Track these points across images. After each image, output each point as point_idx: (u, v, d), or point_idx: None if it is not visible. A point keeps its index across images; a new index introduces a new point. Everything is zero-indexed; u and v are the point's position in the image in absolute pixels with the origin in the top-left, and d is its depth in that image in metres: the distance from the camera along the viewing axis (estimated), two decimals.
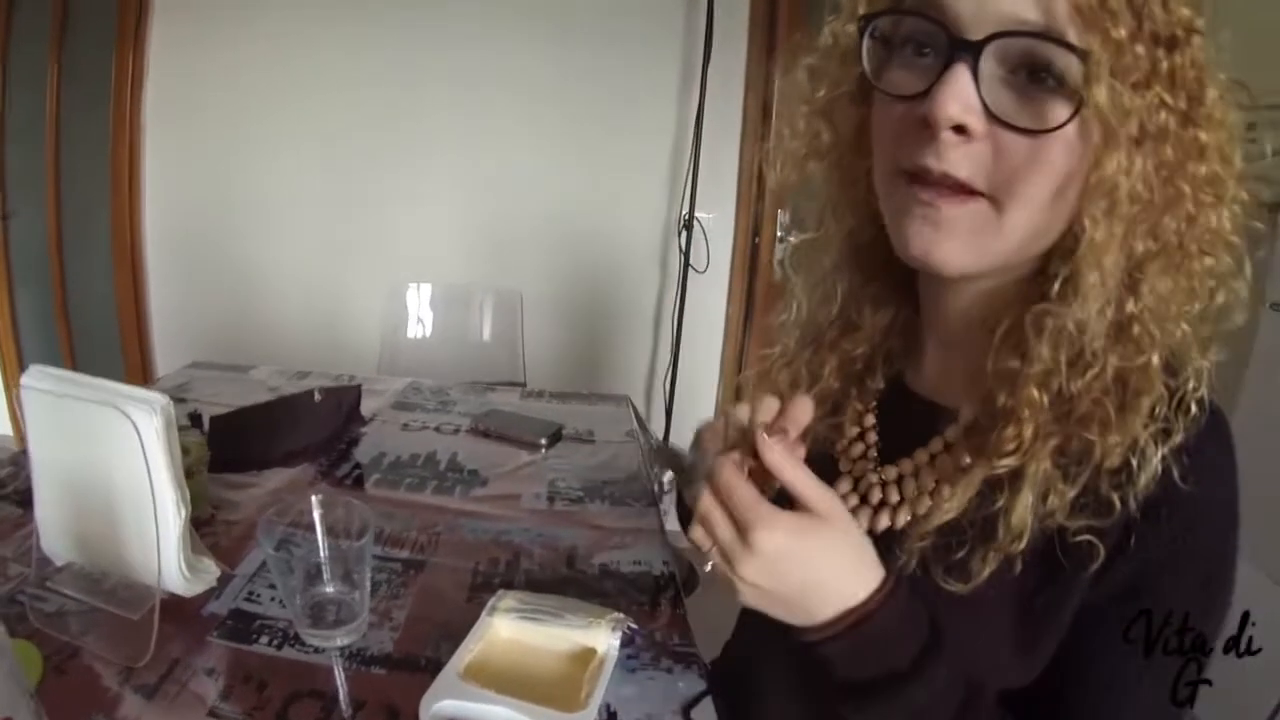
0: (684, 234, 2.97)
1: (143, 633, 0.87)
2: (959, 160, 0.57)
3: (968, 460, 0.66)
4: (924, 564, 0.65)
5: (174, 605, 0.94)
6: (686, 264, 2.98)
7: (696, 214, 2.94)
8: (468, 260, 3.13)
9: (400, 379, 1.97)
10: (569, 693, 0.83)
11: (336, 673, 0.88)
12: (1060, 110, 0.53)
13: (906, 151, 0.59)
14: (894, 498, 0.73)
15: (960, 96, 0.54)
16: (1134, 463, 0.57)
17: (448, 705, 0.79)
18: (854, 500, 0.75)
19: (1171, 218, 0.57)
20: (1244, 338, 2.15)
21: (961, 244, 0.60)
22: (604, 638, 0.90)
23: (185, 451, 1.13)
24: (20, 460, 0.98)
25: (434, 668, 0.85)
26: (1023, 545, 0.60)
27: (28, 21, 3.23)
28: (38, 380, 0.94)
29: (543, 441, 1.56)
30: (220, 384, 1.80)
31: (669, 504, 3.34)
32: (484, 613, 0.93)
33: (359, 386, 1.64)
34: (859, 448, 0.79)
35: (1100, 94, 0.51)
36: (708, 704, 0.87)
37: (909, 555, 0.66)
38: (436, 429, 1.64)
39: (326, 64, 2.99)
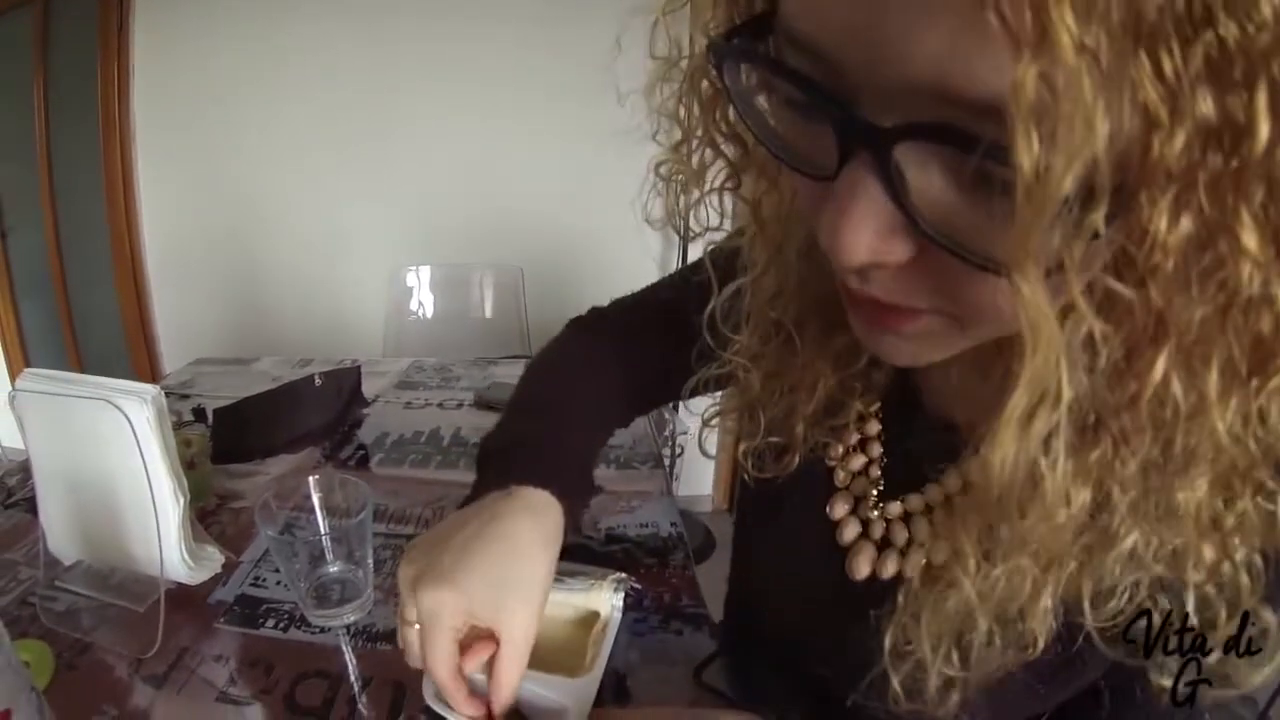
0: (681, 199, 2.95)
1: (150, 624, 0.88)
2: (887, 285, 0.39)
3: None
4: None
5: (181, 594, 0.95)
6: (686, 225, 2.96)
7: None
8: (467, 239, 3.12)
9: (403, 359, 1.97)
10: (574, 657, 0.83)
11: (343, 650, 0.88)
12: None
13: (827, 252, 0.38)
14: (901, 538, 0.61)
15: (867, 227, 0.35)
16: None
17: None
18: (855, 529, 0.64)
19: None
20: None
21: (919, 349, 0.44)
22: (606, 599, 0.89)
23: (187, 444, 1.14)
24: (28, 468, 1.00)
25: None
26: (1038, 651, 0.49)
27: (9, 36, 3.23)
28: (31, 383, 0.94)
29: None
30: (224, 378, 1.80)
31: (680, 466, 3.35)
32: None
33: (358, 368, 1.64)
34: (859, 460, 0.65)
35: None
36: (719, 664, 0.87)
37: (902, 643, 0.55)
38: (439, 405, 1.64)
39: (310, 52, 2.97)
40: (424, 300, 2.81)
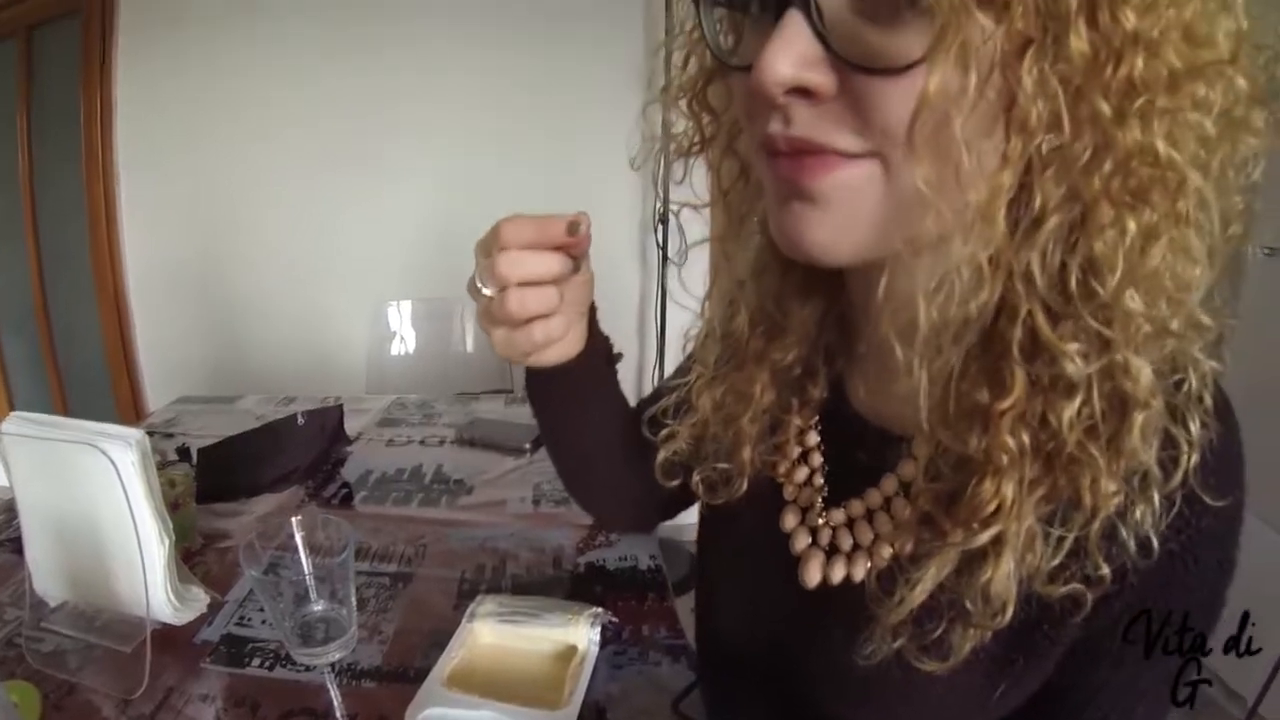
0: (660, 228, 2.99)
1: (137, 664, 0.89)
2: (812, 121, 0.44)
3: (927, 510, 0.54)
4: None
5: (167, 635, 0.97)
6: (665, 258, 3.00)
7: (671, 206, 2.96)
8: (448, 273, 3.13)
9: (385, 397, 1.99)
10: (553, 692, 0.85)
11: (329, 688, 0.90)
12: (920, 38, 0.40)
13: (760, 121, 0.47)
14: (846, 543, 0.63)
15: (792, 52, 0.42)
16: (1133, 515, 0.47)
17: (433, 714, 0.81)
18: (805, 539, 0.65)
19: (1084, 150, 0.41)
20: (1231, 284, 2.15)
21: (843, 223, 0.47)
22: (584, 633, 0.91)
23: (172, 484, 1.15)
24: (14, 508, 1.01)
25: (423, 678, 0.87)
26: (1007, 619, 0.50)
27: None
28: (16, 426, 0.96)
29: (527, 446, 1.58)
30: (208, 416, 1.81)
31: None
32: (464, 619, 0.94)
33: (340, 407, 1.66)
34: (803, 471, 0.68)
35: None
36: (696, 694, 0.89)
37: (880, 649, 0.55)
38: (421, 442, 1.66)
39: (292, 87, 3.00)
40: (405, 335, 2.83)
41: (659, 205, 2.97)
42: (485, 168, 3.06)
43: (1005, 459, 0.47)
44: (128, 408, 3.29)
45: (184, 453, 1.48)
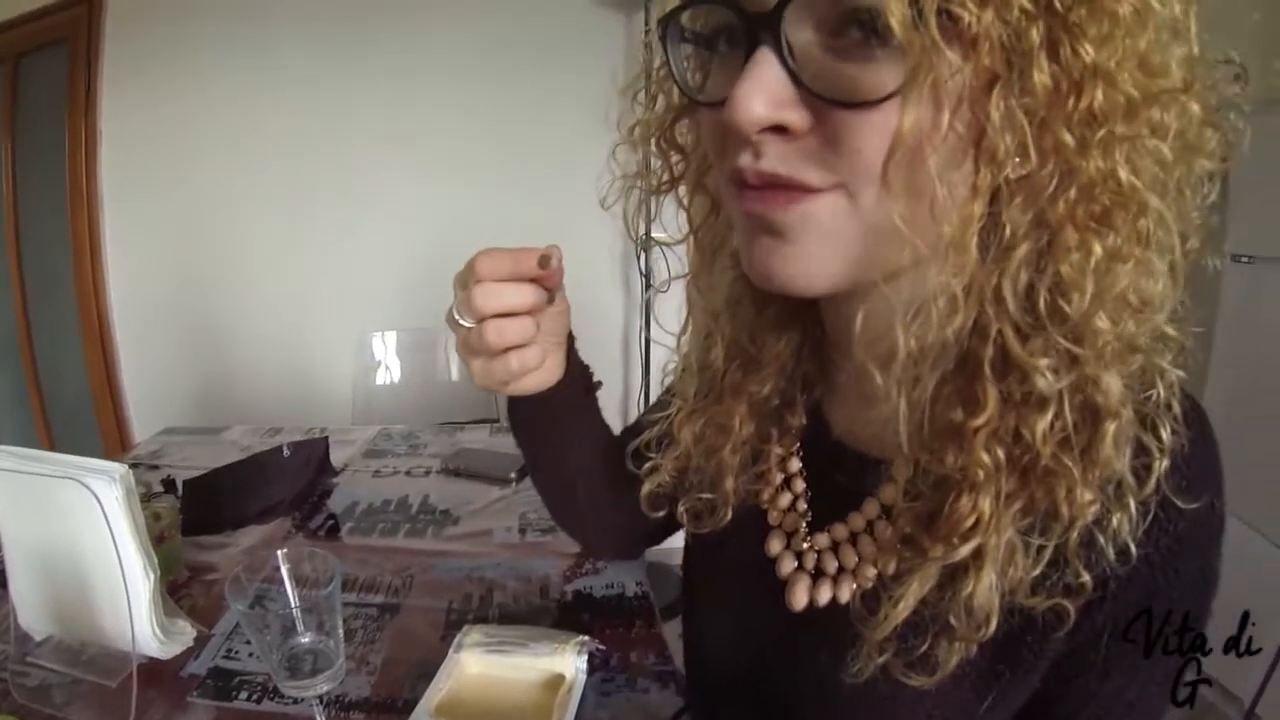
0: (643, 255, 3.01)
1: (123, 698, 0.89)
2: (782, 156, 0.46)
3: (908, 530, 0.55)
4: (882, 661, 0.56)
5: (154, 669, 0.97)
6: (648, 285, 3.02)
7: (654, 234, 2.98)
8: (432, 303, 3.13)
9: (371, 427, 1.99)
10: None
11: None
12: (892, 72, 0.41)
13: (730, 156, 0.48)
14: (831, 566, 0.63)
15: (765, 90, 0.43)
16: (1110, 523, 0.48)
17: None
18: (791, 563, 0.66)
19: (1050, 179, 0.42)
20: (1209, 294, 2.16)
21: (812, 254, 0.48)
22: (571, 662, 0.92)
23: (157, 517, 1.15)
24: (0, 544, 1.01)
25: (411, 709, 0.87)
26: (991, 631, 0.51)
27: None
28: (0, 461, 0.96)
29: (512, 475, 1.59)
30: (193, 448, 1.81)
31: None
32: (451, 650, 0.95)
33: (326, 439, 1.66)
34: (786, 497, 0.69)
35: (906, 31, 0.38)
36: None
37: (867, 666, 0.56)
38: (407, 473, 1.66)
39: (277, 117, 3.02)
40: (390, 365, 2.84)
41: (640, 234, 2.99)
42: (469, 199, 3.08)
43: (981, 474, 0.48)
44: (113, 439, 3.27)
45: (169, 484, 1.47)
